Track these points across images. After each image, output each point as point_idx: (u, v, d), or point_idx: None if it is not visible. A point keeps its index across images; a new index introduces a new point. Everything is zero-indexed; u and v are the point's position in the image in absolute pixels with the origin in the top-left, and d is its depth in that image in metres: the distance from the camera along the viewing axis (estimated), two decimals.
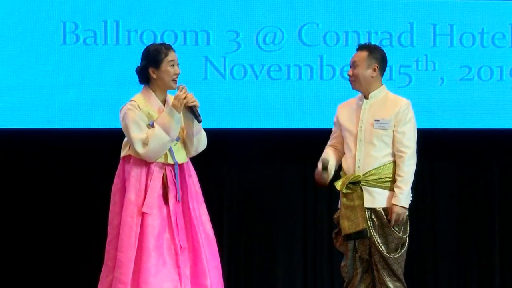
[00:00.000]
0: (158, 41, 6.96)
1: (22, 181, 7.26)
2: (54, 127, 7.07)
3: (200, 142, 5.08)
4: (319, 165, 5.21)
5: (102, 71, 7.09)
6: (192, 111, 4.97)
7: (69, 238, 7.23)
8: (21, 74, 7.07)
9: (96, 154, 7.08)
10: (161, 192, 4.98)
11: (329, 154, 5.29)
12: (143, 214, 4.93)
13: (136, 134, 4.94)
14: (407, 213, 5.14)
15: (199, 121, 4.98)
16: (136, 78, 5.17)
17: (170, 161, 5.02)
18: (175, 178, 5.02)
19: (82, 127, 7.07)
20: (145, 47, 5.17)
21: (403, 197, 5.11)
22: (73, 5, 7.12)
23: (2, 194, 7.27)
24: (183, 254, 4.98)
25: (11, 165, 7.26)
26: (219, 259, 5.13)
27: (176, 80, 5.03)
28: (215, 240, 5.13)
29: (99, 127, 6.97)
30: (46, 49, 7.09)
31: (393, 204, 5.11)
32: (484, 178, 7.54)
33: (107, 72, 7.09)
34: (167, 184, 4.99)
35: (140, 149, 4.93)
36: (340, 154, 5.32)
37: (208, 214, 5.16)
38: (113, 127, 5.14)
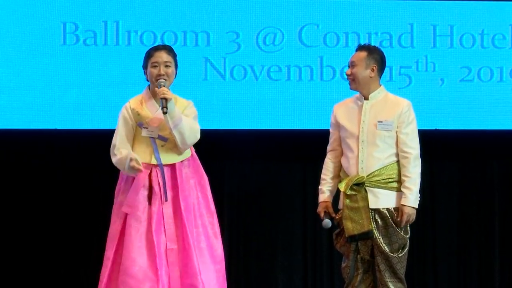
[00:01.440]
0: (158, 42, 6.97)
1: (22, 182, 7.26)
2: (54, 128, 7.07)
3: (184, 135, 5.04)
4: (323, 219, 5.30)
5: (102, 72, 7.09)
6: (161, 103, 4.99)
7: (69, 238, 7.23)
8: (21, 74, 7.07)
9: (96, 155, 7.06)
10: (146, 193, 5.00)
11: (328, 183, 5.34)
12: (126, 214, 4.96)
13: (114, 138, 5.07)
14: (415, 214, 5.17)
15: (164, 112, 4.95)
16: (136, 78, 5.21)
17: (154, 161, 5.04)
18: (163, 178, 5.02)
19: (82, 128, 7.07)
20: (144, 47, 5.24)
21: (413, 198, 5.14)
22: (73, 5, 7.12)
23: (2, 194, 7.27)
24: (171, 255, 4.98)
25: (11, 166, 7.26)
26: (223, 263, 5.13)
27: (157, 81, 5.04)
28: (221, 245, 5.13)
29: (99, 128, 6.97)
30: (46, 50, 7.09)
31: (403, 205, 5.12)
32: (484, 178, 7.54)
33: (107, 72, 7.09)
34: (152, 184, 5.00)
35: (111, 154, 5.07)
36: (339, 158, 5.32)
37: (216, 218, 5.17)
38: (113, 128, 5.15)
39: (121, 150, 5.01)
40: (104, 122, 6.92)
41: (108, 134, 5.18)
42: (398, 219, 5.13)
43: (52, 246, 7.24)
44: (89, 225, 7.06)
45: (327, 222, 5.25)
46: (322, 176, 5.38)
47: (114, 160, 5.04)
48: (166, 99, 4.95)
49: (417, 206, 5.16)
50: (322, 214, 5.29)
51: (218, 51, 7.18)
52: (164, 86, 5.00)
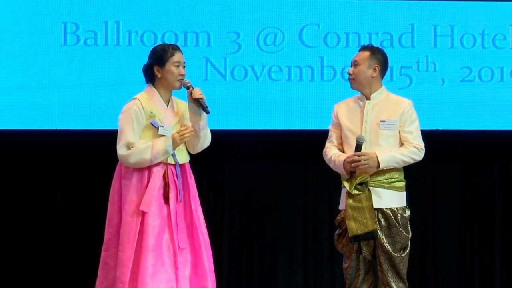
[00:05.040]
0: (159, 42, 6.97)
1: (21, 182, 7.27)
2: (55, 128, 7.07)
3: (206, 138, 5.13)
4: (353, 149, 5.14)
5: (103, 72, 7.10)
6: (199, 104, 5.00)
7: (69, 239, 7.23)
8: (22, 74, 7.07)
9: (96, 155, 7.08)
10: (161, 191, 5.00)
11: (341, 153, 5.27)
12: (143, 214, 4.95)
13: (127, 135, 4.99)
14: (370, 166, 5.09)
15: (207, 112, 5.03)
16: (136, 78, 5.20)
17: (171, 161, 5.05)
18: (177, 178, 5.04)
19: (83, 128, 7.07)
20: (145, 48, 5.21)
21: (388, 159, 5.09)
22: (74, 6, 7.12)
23: (2, 194, 7.27)
24: (182, 255, 4.99)
25: (11, 166, 7.26)
26: (212, 262, 5.14)
27: (180, 81, 5.06)
28: (209, 243, 5.14)
29: (99, 128, 6.97)
30: (47, 50, 7.09)
31: (376, 153, 5.07)
32: (485, 178, 7.53)
33: (107, 73, 7.09)
34: (168, 183, 5.00)
35: (121, 150, 4.99)
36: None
37: (203, 217, 5.18)
38: (114, 128, 5.14)
39: (138, 144, 4.99)
40: (105, 122, 6.93)
41: (108, 134, 5.18)
42: (358, 156, 5.07)
43: (52, 246, 7.24)
44: (89, 225, 7.06)
45: (361, 138, 5.11)
46: (332, 152, 5.22)
47: (124, 153, 4.96)
48: (203, 99, 4.99)
49: (380, 167, 5.09)
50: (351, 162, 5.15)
51: (219, 51, 7.18)
52: (194, 87, 5.03)
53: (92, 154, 7.08)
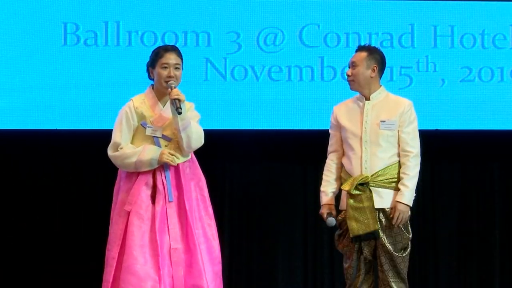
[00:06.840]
0: (159, 42, 6.98)
1: (22, 182, 7.26)
2: (55, 128, 7.07)
3: (191, 139, 5.04)
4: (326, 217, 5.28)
5: (103, 72, 7.09)
6: (173, 104, 4.98)
7: (69, 239, 7.23)
8: (22, 75, 7.07)
9: (96, 155, 7.07)
10: (149, 192, 5.00)
11: (331, 185, 5.32)
12: (129, 213, 4.96)
13: (115, 136, 5.04)
14: (409, 213, 5.15)
15: (179, 113, 4.95)
16: (136, 78, 5.22)
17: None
18: (165, 178, 5.03)
19: (83, 128, 7.07)
20: (145, 48, 5.23)
21: (408, 195, 5.12)
22: (74, 6, 7.12)
23: (2, 195, 7.27)
24: (175, 255, 4.98)
25: (11, 166, 7.26)
26: (220, 265, 5.13)
27: (167, 83, 5.04)
28: (218, 246, 5.13)
29: (99, 128, 6.97)
30: (47, 50, 7.09)
31: (397, 201, 5.11)
32: (485, 179, 7.54)
33: (107, 73, 7.09)
34: (157, 184, 5.01)
35: (109, 151, 5.04)
36: (341, 159, 5.32)
37: (214, 220, 5.16)
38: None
39: (125, 148, 5.01)
40: (105, 122, 6.91)
41: (108, 135, 5.18)
42: (391, 216, 5.12)
43: (53, 246, 7.24)
44: (90, 225, 7.06)
45: (331, 220, 5.22)
46: (324, 177, 5.35)
47: (112, 154, 5.00)
48: (179, 100, 4.96)
49: (411, 205, 5.15)
50: (325, 216, 5.28)
51: (219, 52, 7.18)
52: (175, 88, 5.01)
53: (92, 154, 7.08)
